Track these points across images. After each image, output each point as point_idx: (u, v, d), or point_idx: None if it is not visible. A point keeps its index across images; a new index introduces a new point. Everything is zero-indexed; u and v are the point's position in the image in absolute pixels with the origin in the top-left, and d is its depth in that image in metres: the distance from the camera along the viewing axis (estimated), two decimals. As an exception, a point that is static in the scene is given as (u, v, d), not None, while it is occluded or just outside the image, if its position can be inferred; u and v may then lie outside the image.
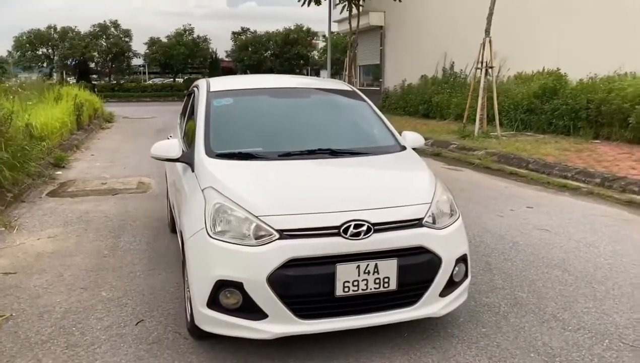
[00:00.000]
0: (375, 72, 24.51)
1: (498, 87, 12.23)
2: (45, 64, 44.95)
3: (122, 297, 3.83)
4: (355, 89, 4.73)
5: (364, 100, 4.41)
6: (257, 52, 44.54)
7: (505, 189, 7.43)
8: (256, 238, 2.80)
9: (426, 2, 19.02)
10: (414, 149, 3.92)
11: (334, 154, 3.61)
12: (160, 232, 5.44)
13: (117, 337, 3.24)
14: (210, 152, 3.48)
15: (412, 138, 4.03)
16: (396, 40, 21.52)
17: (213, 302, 2.83)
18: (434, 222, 3.06)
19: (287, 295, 2.75)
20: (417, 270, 2.96)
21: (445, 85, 16.94)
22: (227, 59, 47.73)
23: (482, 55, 11.52)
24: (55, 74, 41.52)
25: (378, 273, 2.84)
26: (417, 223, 2.99)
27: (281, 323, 2.79)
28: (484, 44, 11.48)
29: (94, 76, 45.57)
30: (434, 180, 3.40)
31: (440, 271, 2.99)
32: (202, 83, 4.48)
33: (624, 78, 10.93)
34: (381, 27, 22.45)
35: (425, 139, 4.61)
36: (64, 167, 9.31)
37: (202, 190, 3.13)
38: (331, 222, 2.83)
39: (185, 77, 44.74)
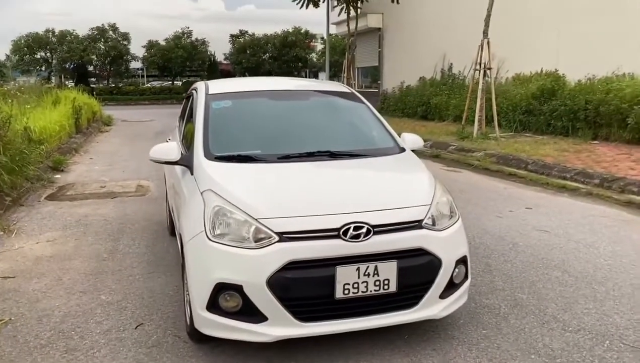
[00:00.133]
0: (373, 74, 24.53)
1: (496, 89, 12.25)
2: (43, 68, 44.98)
3: (121, 301, 3.82)
4: (354, 90, 4.73)
5: (363, 102, 4.41)
6: (256, 55, 44.59)
7: (505, 190, 7.43)
8: (256, 241, 2.80)
9: (424, 4, 19.04)
10: (413, 150, 3.91)
11: (333, 156, 3.60)
12: (159, 235, 5.43)
13: (116, 341, 3.23)
14: (209, 155, 3.48)
15: (411, 140, 4.03)
16: (394, 42, 21.54)
17: (212, 305, 2.82)
18: (433, 224, 3.05)
19: (286, 298, 2.75)
20: (417, 272, 2.95)
21: (443, 86, 16.94)
22: (225, 62, 47.76)
23: (481, 56, 11.53)
24: (53, 78, 41.54)
25: (378, 276, 2.83)
26: (416, 225, 2.98)
27: (281, 326, 2.78)
28: (482, 46, 11.49)
29: (93, 79, 45.53)
30: (434, 181, 3.40)
31: (441, 273, 2.98)
32: (200, 86, 4.47)
33: (622, 79, 10.94)
34: (379, 29, 22.47)
35: (424, 140, 4.60)
36: (62, 170, 9.30)
37: (201, 193, 3.13)
38: (331, 224, 2.82)
39: (184, 80, 44.77)
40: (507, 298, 3.78)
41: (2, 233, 5.48)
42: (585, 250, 4.79)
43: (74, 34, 43.50)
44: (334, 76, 32.48)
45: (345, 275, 2.79)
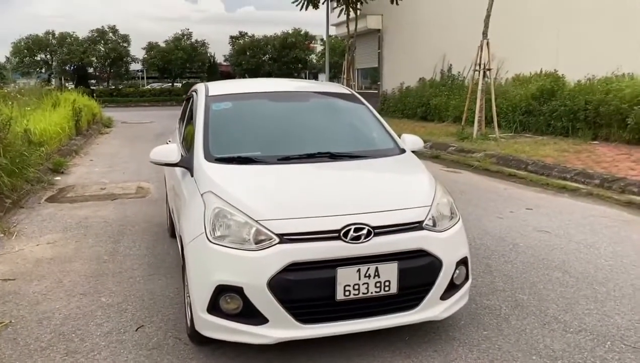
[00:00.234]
0: (373, 75, 24.54)
1: (496, 89, 12.25)
2: (43, 70, 45.03)
3: (121, 303, 3.82)
4: (353, 92, 4.73)
5: (363, 103, 4.41)
6: (255, 56, 44.60)
7: (505, 191, 7.43)
8: (256, 243, 2.79)
9: (424, 5, 19.05)
10: (413, 151, 3.91)
11: (334, 157, 3.60)
12: (159, 237, 5.43)
13: (117, 343, 3.23)
14: (209, 157, 3.47)
15: (411, 141, 4.03)
16: (394, 43, 21.56)
17: (213, 307, 2.82)
18: (434, 225, 3.05)
19: (287, 300, 2.74)
20: (418, 273, 2.95)
21: (443, 87, 16.94)
22: (225, 63, 47.79)
23: (480, 57, 11.54)
24: (53, 80, 41.63)
25: (379, 277, 2.83)
26: (417, 226, 2.98)
27: (282, 328, 2.78)
28: (481, 46, 11.50)
29: (93, 81, 45.63)
30: (434, 182, 3.40)
31: (441, 274, 2.98)
32: (200, 87, 4.47)
33: (622, 79, 10.94)
34: (379, 30, 22.48)
35: (424, 141, 4.61)
36: (62, 172, 9.30)
37: (202, 195, 3.13)
38: (331, 225, 2.82)
39: (184, 82, 44.81)
40: (508, 299, 3.77)
41: (2, 235, 5.48)
42: (585, 250, 4.78)
43: (74, 36, 43.56)
44: (334, 77, 32.50)
45: (346, 277, 2.78)
